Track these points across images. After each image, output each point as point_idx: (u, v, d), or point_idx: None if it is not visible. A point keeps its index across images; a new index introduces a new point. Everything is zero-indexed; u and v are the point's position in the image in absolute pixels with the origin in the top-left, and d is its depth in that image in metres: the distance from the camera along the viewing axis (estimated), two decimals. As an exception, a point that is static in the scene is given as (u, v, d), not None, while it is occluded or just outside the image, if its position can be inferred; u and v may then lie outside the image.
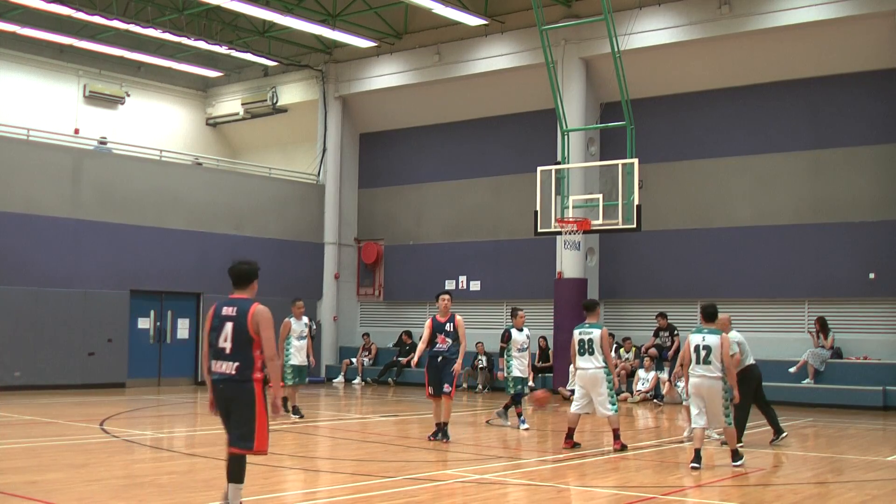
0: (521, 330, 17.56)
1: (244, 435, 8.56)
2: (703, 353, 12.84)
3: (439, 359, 15.11)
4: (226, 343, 8.69)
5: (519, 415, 17.37)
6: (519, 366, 17.32)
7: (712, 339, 12.86)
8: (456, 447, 14.60)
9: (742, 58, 24.90)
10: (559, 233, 21.49)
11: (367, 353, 30.00)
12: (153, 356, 27.33)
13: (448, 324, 15.21)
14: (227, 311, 8.79)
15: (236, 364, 8.63)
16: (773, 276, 24.56)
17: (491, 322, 29.00)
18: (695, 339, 13.00)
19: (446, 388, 14.95)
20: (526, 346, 17.47)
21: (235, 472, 8.65)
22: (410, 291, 30.14)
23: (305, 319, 18.84)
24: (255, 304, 8.75)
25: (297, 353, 18.50)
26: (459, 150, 30.23)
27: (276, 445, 14.06)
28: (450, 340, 15.11)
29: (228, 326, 8.71)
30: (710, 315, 13.20)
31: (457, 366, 15.09)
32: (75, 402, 21.49)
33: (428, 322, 15.41)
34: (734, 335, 15.74)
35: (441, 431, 15.10)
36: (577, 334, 14.60)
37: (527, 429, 17.04)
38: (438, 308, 15.42)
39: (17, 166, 24.78)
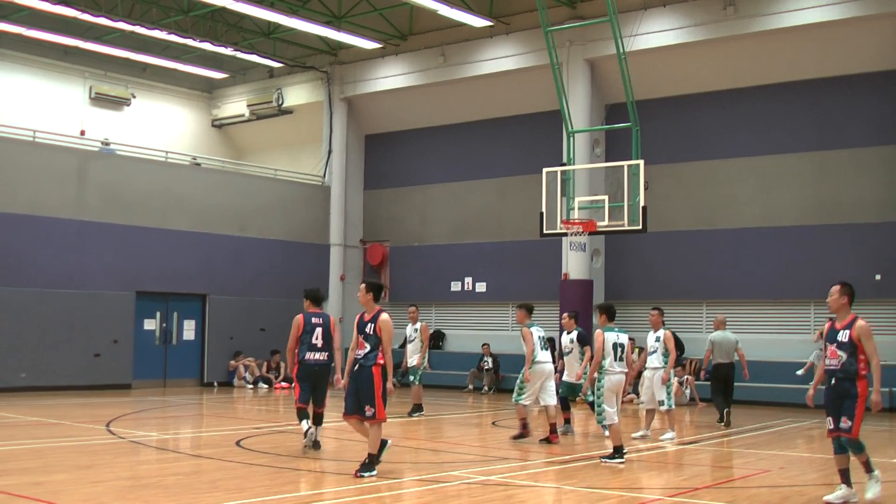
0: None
1: (323, 400, 14.05)
2: (619, 350, 13.58)
3: (356, 367, 11.86)
4: (317, 340, 13.84)
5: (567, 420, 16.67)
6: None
7: (625, 338, 13.81)
8: (462, 449, 14.58)
9: (747, 59, 24.88)
10: (565, 234, 21.51)
11: (372, 355, 29.97)
12: (159, 357, 27.36)
13: (370, 323, 11.75)
14: (316, 320, 13.94)
15: (326, 353, 13.91)
16: (778, 277, 24.53)
17: (496, 323, 29.00)
18: (611, 337, 13.57)
19: (368, 410, 11.62)
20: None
21: (320, 420, 14.13)
22: (416, 293, 30.08)
23: (419, 325, 19.95)
24: (331, 315, 14.40)
25: (412, 355, 19.82)
26: (465, 151, 30.23)
27: (282, 447, 14.09)
28: (368, 345, 11.71)
29: (318, 330, 13.86)
30: (614, 314, 13.80)
31: (389, 384, 11.80)
32: (81, 404, 21.52)
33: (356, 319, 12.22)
34: (713, 335, 18.64)
35: (364, 464, 11.67)
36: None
37: (562, 432, 16.27)
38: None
39: (22, 167, 24.83)
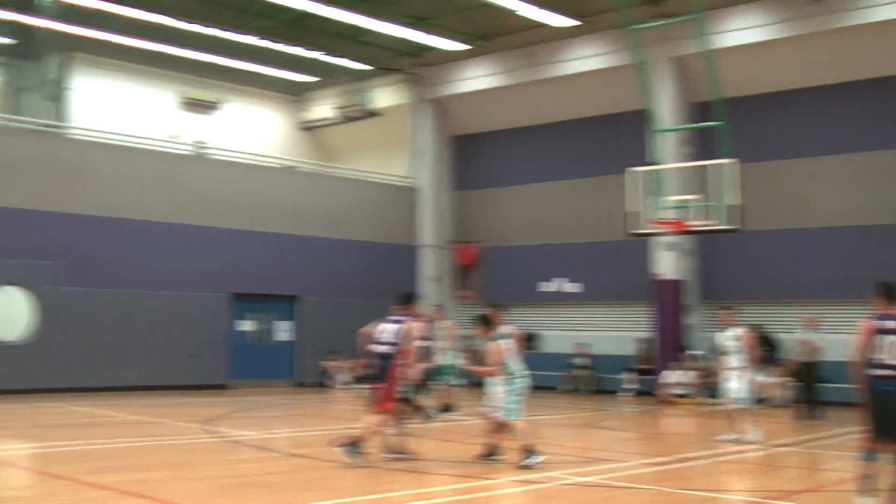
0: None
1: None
2: None
3: None
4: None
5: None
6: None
7: None
8: (558, 449, 14.62)
9: (836, 55, 24.44)
10: (653, 234, 21.42)
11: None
12: (253, 358, 27.78)
13: None
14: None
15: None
16: (873, 276, 23.89)
17: (589, 323, 28.86)
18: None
19: None
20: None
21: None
22: (507, 293, 29.97)
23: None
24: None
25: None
26: (552, 151, 30.18)
27: (375, 446, 14.23)
28: None
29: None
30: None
31: None
32: (179, 403, 22.00)
33: None
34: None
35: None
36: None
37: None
38: None
39: (117, 172, 25.46)
